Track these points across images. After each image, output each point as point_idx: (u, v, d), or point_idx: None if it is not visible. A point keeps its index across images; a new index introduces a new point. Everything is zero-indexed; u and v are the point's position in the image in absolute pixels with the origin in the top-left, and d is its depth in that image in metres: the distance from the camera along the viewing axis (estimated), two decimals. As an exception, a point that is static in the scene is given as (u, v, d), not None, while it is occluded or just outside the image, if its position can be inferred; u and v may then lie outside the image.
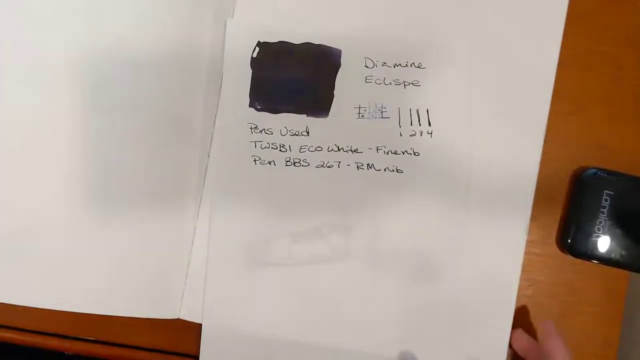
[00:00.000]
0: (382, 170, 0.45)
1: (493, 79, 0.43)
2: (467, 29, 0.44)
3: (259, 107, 0.45)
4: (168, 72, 0.41)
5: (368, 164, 0.45)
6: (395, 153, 0.45)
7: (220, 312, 0.44)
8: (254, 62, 0.45)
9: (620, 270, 0.44)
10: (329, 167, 0.45)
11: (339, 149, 0.45)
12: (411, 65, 0.45)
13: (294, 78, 0.45)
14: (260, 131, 0.45)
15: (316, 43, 0.45)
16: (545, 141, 0.42)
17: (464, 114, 0.44)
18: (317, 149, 0.45)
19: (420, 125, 0.45)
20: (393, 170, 0.45)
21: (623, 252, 0.43)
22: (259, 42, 0.45)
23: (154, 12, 0.40)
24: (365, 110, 0.45)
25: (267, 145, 0.45)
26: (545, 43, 0.42)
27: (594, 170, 0.42)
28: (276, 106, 0.45)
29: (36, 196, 0.40)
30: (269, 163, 0.45)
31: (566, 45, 0.42)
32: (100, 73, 0.40)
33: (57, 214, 0.40)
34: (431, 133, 0.45)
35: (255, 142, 0.45)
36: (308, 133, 0.45)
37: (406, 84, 0.45)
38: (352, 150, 0.45)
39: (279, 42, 0.45)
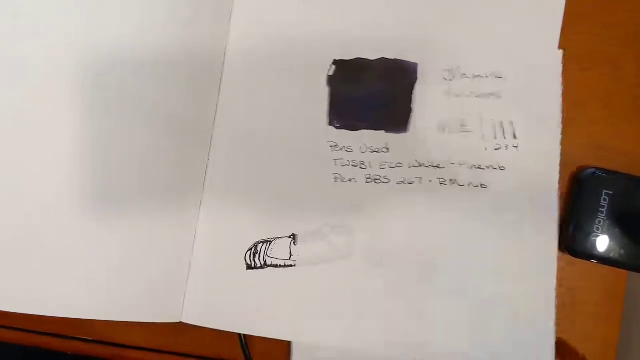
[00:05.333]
0: (466, 185, 0.44)
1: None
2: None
3: (338, 125, 0.45)
4: (168, 71, 0.40)
5: (451, 180, 0.44)
6: (480, 168, 0.44)
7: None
8: (331, 80, 0.45)
9: (619, 269, 0.43)
10: (410, 183, 0.44)
11: (420, 165, 0.44)
12: (491, 75, 0.44)
13: (372, 94, 0.45)
14: (340, 149, 0.45)
15: (391, 58, 0.44)
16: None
17: (553, 124, 0.43)
18: (398, 165, 0.44)
19: (505, 138, 0.43)
20: (477, 186, 0.44)
21: (622, 252, 0.42)
22: (334, 60, 0.45)
23: (154, 11, 0.40)
24: (445, 125, 0.44)
25: (348, 163, 0.45)
26: (545, 42, 0.42)
27: (593, 170, 0.42)
28: (355, 123, 0.45)
29: (34, 198, 0.40)
30: (350, 181, 0.45)
31: (566, 45, 0.41)
32: (100, 73, 0.39)
33: (56, 215, 0.40)
34: (517, 146, 0.43)
35: (335, 160, 0.45)
36: (388, 149, 0.45)
37: (487, 95, 0.44)
38: (433, 166, 0.44)
39: (355, 59, 0.45)
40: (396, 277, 0.43)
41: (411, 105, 0.44)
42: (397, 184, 0.44)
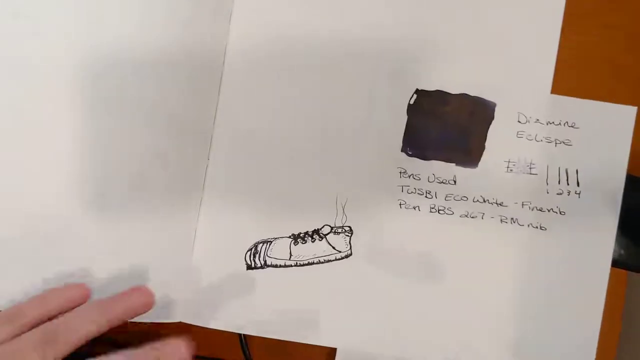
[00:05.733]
0: (526, 225, 0.45)
1: (491, 79, 0.43)
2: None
3: (410, 153, 0.46)
4: (168, 71, 0.40)
5: (512, 218, 0.45)
6: (541, 210, 0.45)
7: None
8: (411, 109, 0.45)
9: (619, 269, 0.44)
10: (472, 217, 0.46)
11: (484, 201, 0.46)
12: (564, 124, 0.45)
13: (448, 127, 0.46)
14: (409, 176, 0.46)
15: (472, 95, 0.45)
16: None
17: (618, 176, 0.44)
18: (463, 198, 0.46)
19: (568, 184, 0.45)
20: (537, 227, 0.45)
21: (622, 252, 0.43)
22: (417, 89, 0.45)
23: (154, 11, 0.40)
24: (514, 165, 0.45)
25: (414, 191, 0.46)
26: (543, 42, 0.42)
27: None
28: (427, 153, 0.46)
29: (34, 198, 0.40)
30: (414, 208, 0.46)
31: (565, 45, 0.42)
32: (100, 73, 0.40)
33: (56, 216, 0.40)
34: (579, 194, 0.45)
35: (402, 186, 0.46)
36: (455, 182, 0.46)
37: (558, 142, 0.45)
38: (497, 203, 0.45)
39: (436, 91, 0.45)
40: (447, 298, 0.45)
41: (484, 143, 0.45)
42: (460, 216, 0.46)
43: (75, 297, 0.35)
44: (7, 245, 0.40)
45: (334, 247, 0.41)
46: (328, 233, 0.41)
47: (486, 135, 0.45)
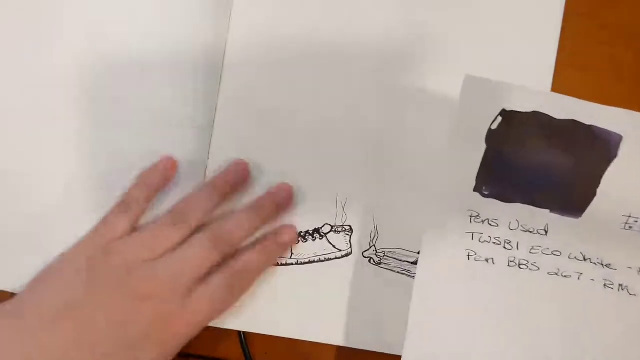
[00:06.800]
0: (637, 295, 0.35)
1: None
2: None
3: (486, 193, 0.35)
4: (168, 71, 0.40)
5: (620, 285, 0.35)
6: (663, 280, 0.33)
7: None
8: (492, 136, 0.33)
9: None
10: (565, 276, 0.35)
11: (584, 259, 0.35)
12: None
13: (544, 162, 0.34)
14: (483, 221, 0.35)
15: (587, 124, 0.31)
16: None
17: None
18: (555, 253, 0.35)
19: None
20: (655, 302, 0.34)
21: None
22: (503, 110, 0.32)
23: (153, 11, 0.40)
24: (636, 222, 0.33)
25: (488, 239, 0.36)
26: (542, 42, 0.40)
27: None
28: (511, 194, 0.35)
29: (34, 198, 0.40)
30: (486, 261, 0.36)
31: (565, 45, 0.40)
32: (100, 72, 0.40)
33: (56, 216, 0.39)
34: None
35: (473, 233, 0.36)
36: (546, 232, 0.35)
37: None
38: (602, 264, 0.35)
39: (533, 112, 0.32)
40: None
41: (597, 188, 0.33)
42: (548, 274, 0.36)
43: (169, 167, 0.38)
44: (7, 245, 0.39)
45: (334, 246, 0.40)
46: (329, 232, 0.40)
47: (601, 179, 0.33)
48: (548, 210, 0.34)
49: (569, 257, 0.35)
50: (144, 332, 0.31)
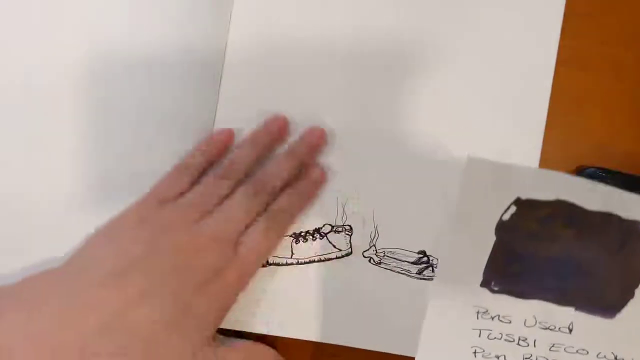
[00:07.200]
0: None
1: (490, 80, 0.40)
2: None
3: (496, 289, 0.29)
4: (168, 70, 0.40)
5: None
6: None
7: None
8: (503, 227, 0.27)
9: None
10: None
11: (616, 359, 0.29)
12: None
13: (571, 257, 0.27)
14: (492, 318, 0.30)
15: (625, 217, 0.24)
16: (544, 141, 0.40)
17: None
18: (580, 351, 0.30)
19: None
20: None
21: None
22: (518, 198, 0.26)
23: (153, 10, 0.40)
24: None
25: (499, 336, 0.30)
26: (542, 42, 0.40)
27: (593, 170, 0.40)
28: (526, 290, 0.29)
29: (34, 198, 0.40)
30: (497, 358, 0.30)
31: (565, 45, 0.41)
32: (100, 72, 0.40)
33: (56, 216, 0.40)
34: None
35: (480, 329, 0.30)
36: (570, 331, 0.29)
37: None
38: None
39: (556, 201, 0.25)
40: None
41: (635, 289, 0.27)
42: None
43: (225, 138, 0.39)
44: (7, 245, 0.39)
45: (334, 246, 0.40)
46: (329, 232, 0.40)
47: (641, 279, 0.26)
48: (573, 308, 0.28)
49: (598, 357, 0.29)
50: (198, 283, 0.32)
